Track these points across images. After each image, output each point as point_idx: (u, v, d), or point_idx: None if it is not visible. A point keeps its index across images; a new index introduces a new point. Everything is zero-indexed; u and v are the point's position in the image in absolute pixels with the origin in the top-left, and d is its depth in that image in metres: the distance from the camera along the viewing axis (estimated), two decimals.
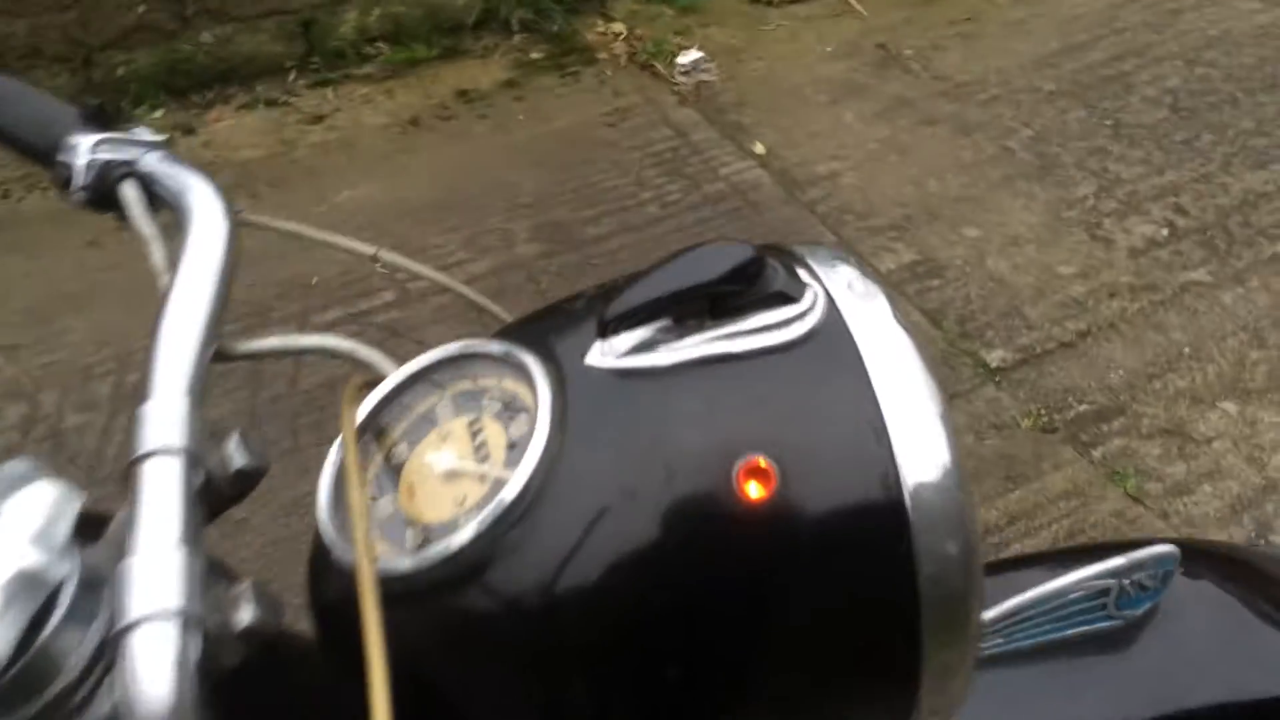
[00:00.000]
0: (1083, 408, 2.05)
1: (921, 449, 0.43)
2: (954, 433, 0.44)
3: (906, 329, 0.46)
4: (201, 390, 0.48)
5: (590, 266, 2.39)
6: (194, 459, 0.44)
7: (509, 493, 0.43)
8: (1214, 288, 2.30)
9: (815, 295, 0.46)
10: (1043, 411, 2.03)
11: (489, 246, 2.45)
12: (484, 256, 2.43)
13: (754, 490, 0.42)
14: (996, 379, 2.10)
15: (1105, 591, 0.65)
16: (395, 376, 0.50)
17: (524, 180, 2.61)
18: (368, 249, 0.65)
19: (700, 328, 0.45)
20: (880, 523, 0.43)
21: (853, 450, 0.43)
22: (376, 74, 3.00)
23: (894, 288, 2.30)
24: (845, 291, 0.47)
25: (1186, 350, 2.17)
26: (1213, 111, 2.84)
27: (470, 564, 0.43)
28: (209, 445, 0.45)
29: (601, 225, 2.49)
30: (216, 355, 0.51)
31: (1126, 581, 0.64)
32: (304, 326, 2.29)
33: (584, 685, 0.45)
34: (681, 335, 0.46)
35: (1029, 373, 2.12)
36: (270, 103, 2.91)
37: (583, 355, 0.46)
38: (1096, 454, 1.96)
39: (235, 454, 0.45)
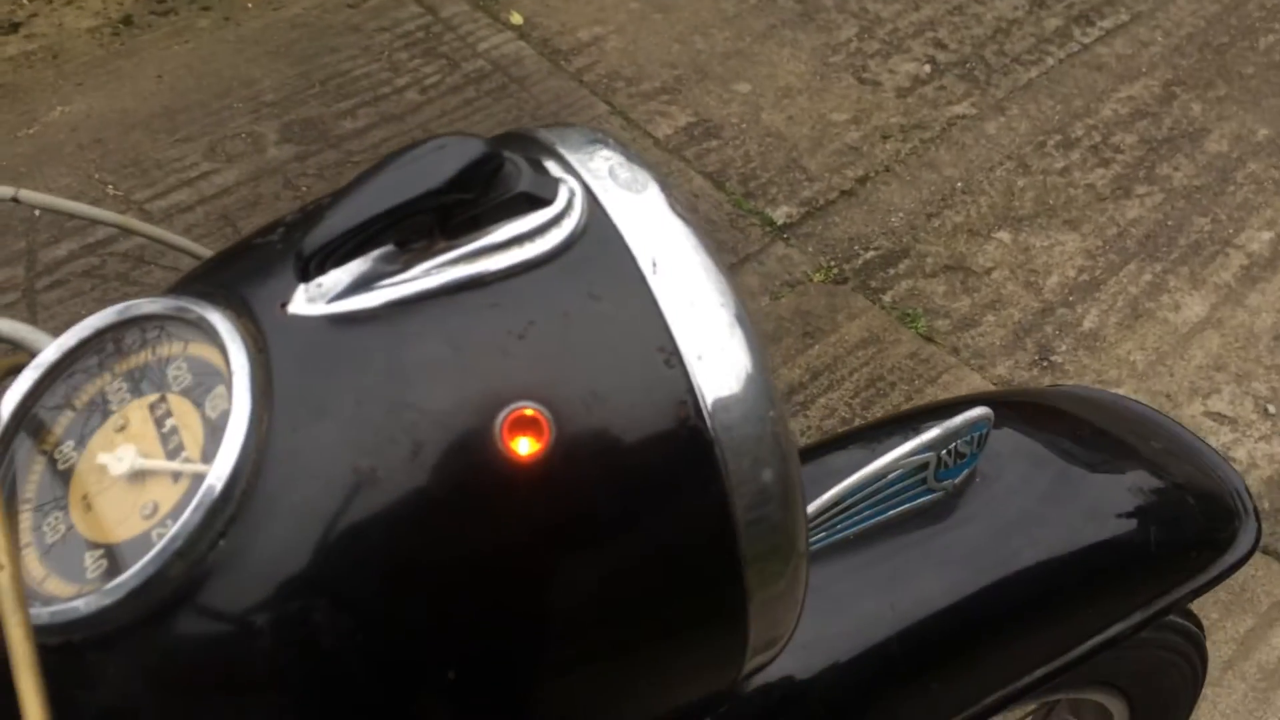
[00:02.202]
0: (869, 254, 2.06)
1: (721, 367, 0.35)
2: (757, 338, 0.36)
3: (686, 219, 0.37)
4: None
5: (352, 164, 2.21)
6: None
7: (208, 494, 0.33)
8: (978, 119, 2.34)
9: (571, 192, 0.37)
10: (832, 263, 2.03)
11: (236, 153, 2.23)
12: (232, 165, 2.21)
13: (524, 446, 0.34)
14: (785, 235, 2.08)
15: (924, 466, 0.61)
16: (44, 356, 0.38)
17: (264, 76, 2.37)
18: (5, 191, 0.51)
19: (431, 251, 0.35)
20: (683, 461, 0.35)
21: (640, 380, 0.34)
22: None
23: (673, 153, 2.23)
24: (607, 182, 0.37)
25: (959, 185, 2.20)
26: None
27: (171, 590, 0.33)
28: None
29: (359, 118, 2.29)
30: None
31: (944, 452, 0.60)
32: (34, 265, 2.04)
33: (354, 698, 0.36)
34: (408, 263, 0.35)
35: (815, 225, 2.11)
36: None
37: (284, 303, 0.36)
38: (886, 299, 1.98)
39: None
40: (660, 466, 0.35)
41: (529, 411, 0.34)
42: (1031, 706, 0.88)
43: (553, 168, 0.38)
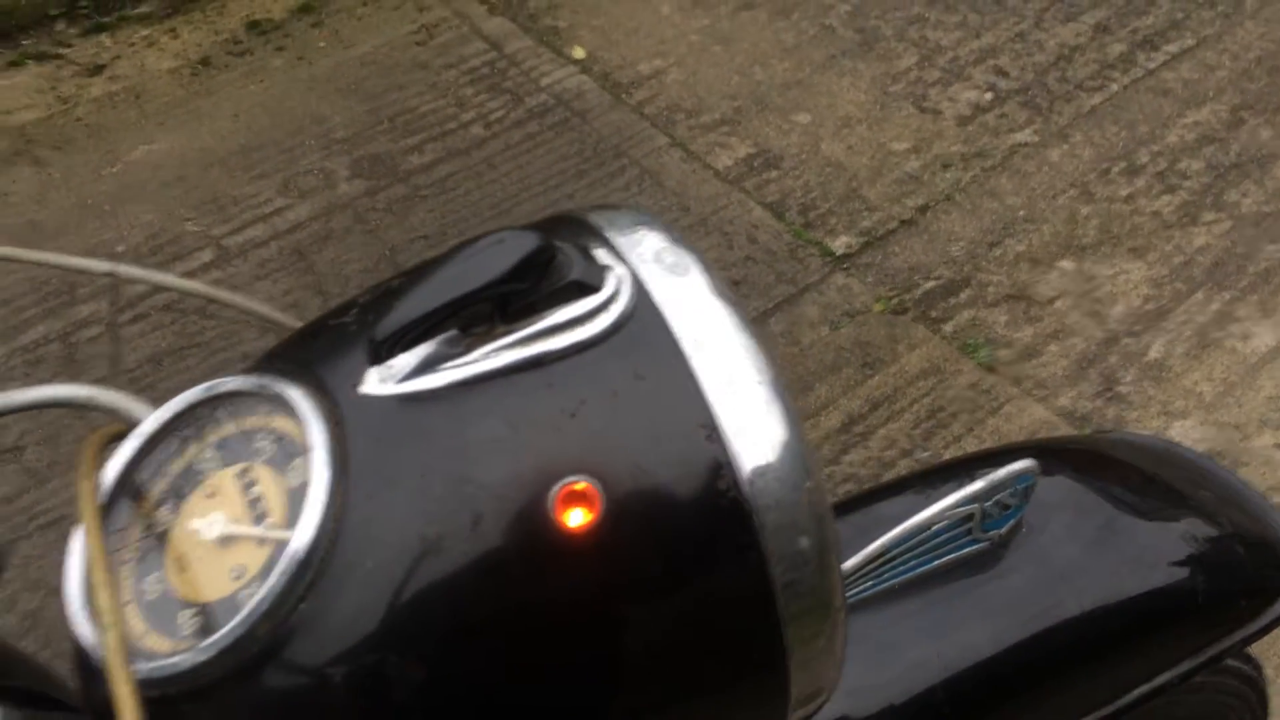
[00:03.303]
0: (930, 284, 2.06)
1: (758, 440, 0.38)
2: (792, 410, 0.39)
3: (728, 301, 0.40)
4: None
5: (420, 199, 2.27)
6: None
7: (292, 559, 0.37)
8: (1041, 147, 2.33)
9: (618, 279, 0.40)
10: (892, 293, 2.04)
11: (308, 189, 2.31)
12: (304, 201, 2.28)
13: (576, 518, 0.37)
14: (844, 265, 2.09)
15: (968, 517, 0.62)
16: (144, 427, 0.42)
17: (335, 113, 2.45)
18: (103, 266, 0.56)
19: (490, 335, 0.39)
20: (723, 529, 0.38)
21: (682, 454, 0.37)
22: (155, 12, 2.75)
23: (733, 184, 2.26)
24: (652, 266, 0.40)
25: (1021, 213, 2.20)
26: None
27: (259, 648, 0.37)
28: None
29: (426, 153, 2.36)
30: None
31: (988, 504, 0.62)
32: (117, 301, 2.13)
33: None
34: (470, 347, 0.39)
35: (875, 255, 2.12)
36: (40, 57, 2.64)
37: (357, 383, 0.39)
38: (947, 329, 1.98)
39: None
40: (702, 535, 0.38)
41: (580, 485, 0.37)
42: None
43: (601, 254, 0.41)
